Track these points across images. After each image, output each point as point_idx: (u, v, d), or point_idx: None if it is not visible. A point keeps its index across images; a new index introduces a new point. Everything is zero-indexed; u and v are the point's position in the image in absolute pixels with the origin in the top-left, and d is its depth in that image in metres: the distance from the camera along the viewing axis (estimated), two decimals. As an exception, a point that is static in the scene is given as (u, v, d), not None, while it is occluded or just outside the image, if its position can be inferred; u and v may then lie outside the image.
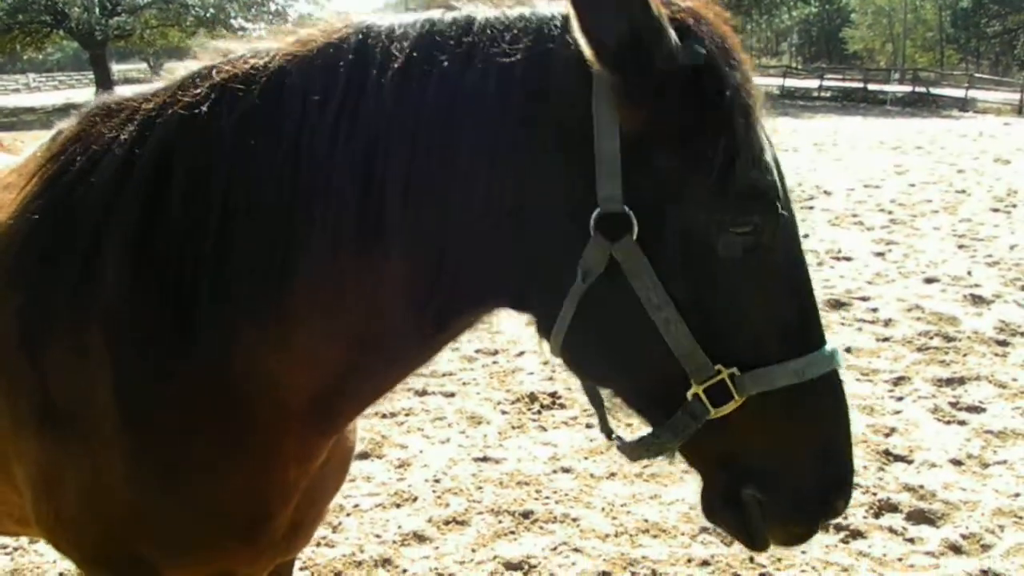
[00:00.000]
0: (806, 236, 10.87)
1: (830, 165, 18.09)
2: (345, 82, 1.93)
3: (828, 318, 8.19)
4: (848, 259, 10.68)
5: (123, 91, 2.41)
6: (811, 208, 13.49)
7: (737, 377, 1.78)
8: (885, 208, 13.74)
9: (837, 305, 8.86)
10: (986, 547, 4.83)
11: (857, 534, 4.93)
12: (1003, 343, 7.87)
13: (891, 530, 4.97)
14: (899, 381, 7.03)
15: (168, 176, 2.04)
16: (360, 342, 2.02)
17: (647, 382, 1.89)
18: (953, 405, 6.61)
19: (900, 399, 6.73)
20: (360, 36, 1.97)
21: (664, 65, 1.70)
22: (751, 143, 1.77)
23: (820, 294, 8.85)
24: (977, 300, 8.99)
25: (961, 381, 7.03)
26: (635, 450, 1.96)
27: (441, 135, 1.86)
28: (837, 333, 7.98)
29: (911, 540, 4.91)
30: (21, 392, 2.21)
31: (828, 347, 1.84)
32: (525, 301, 1.96)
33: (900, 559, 4.72)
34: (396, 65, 1.89)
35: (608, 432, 2.08)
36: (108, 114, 2.25)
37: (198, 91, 2.06)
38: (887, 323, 8.33)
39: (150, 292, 2.08)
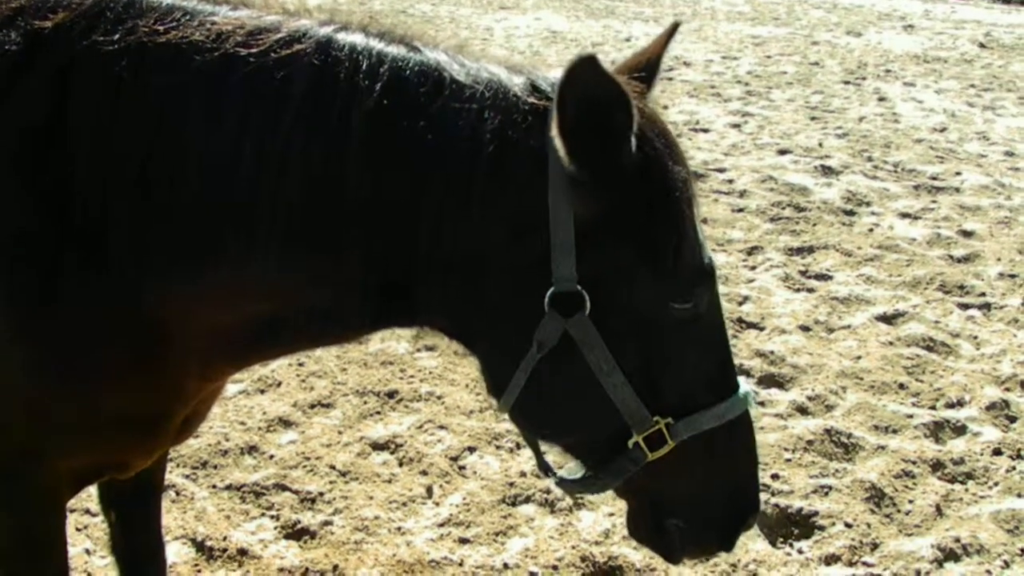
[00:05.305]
0: (666, 108, 10.97)
1: (690, 36, 18.18)
2: (304, 101, 1.92)
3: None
4: (705, 131, 10.84)
5: None
6: (670, 80, 13.58)
7: (672, 426, 1.99)
8: (742, 80, 13.94)
9: (695, 177, 9.01)
10: (829, 407, 5.12)
11: (711, 400, 5.12)
12: (850, 212, 8.20)
13: (743, 395, 5.20)
14: (752, 251, 7.27)
15: (66, 113, 1.98)
16: (288, 310, 2.08)
17: (592, 436, 2.08)
18: (802, 273, 6.90)
19: (753, 268, 6.98)
20: (321, 54, 1.94)
21: (620, 157, 1.81)
22: (694, 230, 1.96)
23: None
24: (827, 171, 9.31)
25: (810, 250, 7.32)
26: (575, 488, 2.21)
27: (405, 179, 1.92)
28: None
29: (761, 403, 5.16)
30: None
31: (742, 390, 2.09)
32: (473, 345, 2.09)
33: (751, 422, 4.95)
34: (365, 109, 1.89)
35: (546, 470, 2.24)
36: None
37: (115, 38, 1.96)
38: (742, 194, 8.55)
39: (45, 211, 1.99)
